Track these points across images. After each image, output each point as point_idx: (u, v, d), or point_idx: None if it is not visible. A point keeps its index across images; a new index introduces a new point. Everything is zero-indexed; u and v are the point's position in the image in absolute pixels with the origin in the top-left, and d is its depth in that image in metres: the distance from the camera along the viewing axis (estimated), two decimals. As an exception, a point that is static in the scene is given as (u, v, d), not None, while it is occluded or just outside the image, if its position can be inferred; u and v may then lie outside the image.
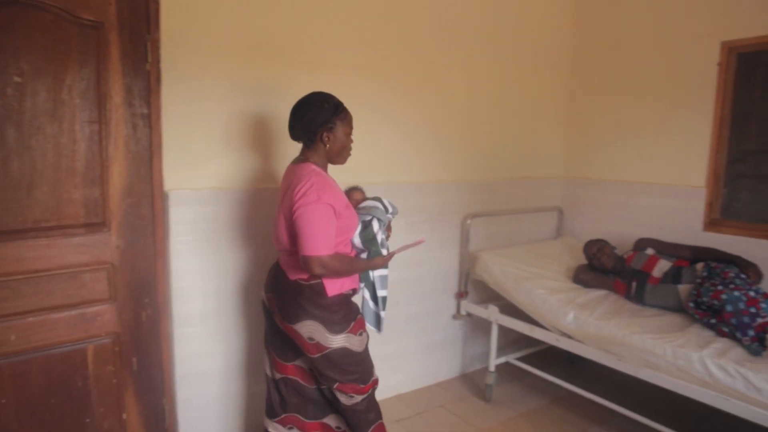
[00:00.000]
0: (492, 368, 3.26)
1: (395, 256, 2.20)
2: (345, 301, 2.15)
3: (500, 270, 3.24)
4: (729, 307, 2.48)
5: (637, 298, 2.97)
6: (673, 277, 2.89)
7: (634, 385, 2.92)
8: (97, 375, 2.26)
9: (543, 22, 3.75)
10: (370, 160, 3.01)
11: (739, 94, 3.09)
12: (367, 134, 2.96)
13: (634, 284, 2.99)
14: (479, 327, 3.61)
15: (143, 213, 2.32)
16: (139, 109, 2.23)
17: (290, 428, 2.31)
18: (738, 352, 2.35)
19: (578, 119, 3.95)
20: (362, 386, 2.17)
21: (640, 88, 3.54)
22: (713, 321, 2.57)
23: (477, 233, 3.52)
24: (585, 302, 2.94)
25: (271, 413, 2.32)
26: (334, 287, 2.09)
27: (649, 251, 3.10)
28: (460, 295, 3.47)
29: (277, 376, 2.28)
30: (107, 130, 2.17)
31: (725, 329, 2.50)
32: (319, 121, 2.04)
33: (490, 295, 3.46)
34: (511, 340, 3.69)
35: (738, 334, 2.42)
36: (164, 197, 2.39)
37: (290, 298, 2.09)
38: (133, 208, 2.28)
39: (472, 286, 3.52)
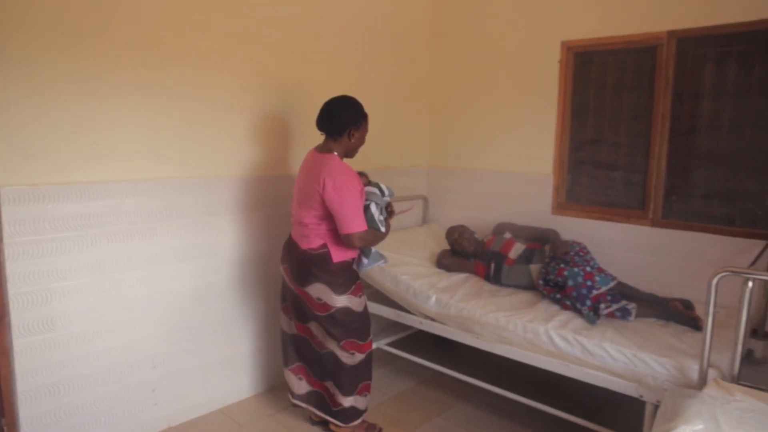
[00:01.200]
0: (363, 355, 3.33)
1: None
2: (347, 267, 2.58)
3: (368, 258, 3.31)
4: (570, 282, 2.74)
5: (495, 279, 3.18)
6: (526, 258, 3.13)
7: (495, 360, 3.12)
8: None
9: (403, 19, 3.87)
10: (229, 153, 2.94)
11: (577, 89, 3.40)
12: (232, 128, 2.89)
13: (492, 266, 3.20)
14: (351, 316, 3.66)
15: (-32, 213, 2.08)
16: (-43, 96, 1.99)
17: (300, 378, 2.78)
18: (577, 323, 2.60)
19: (440, 112, 4.13)
20: (362, 343, 2.62)
21: (495, 82, 3.77)
22: (558, 296, 2.82)
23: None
24: (447, 286, 3.10)
25: (285, 362, 2.80)
26: (338, 255, 2.53)
27: (507, 235, 3.32)
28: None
29: (294, 331, 2.74)
30: None
31: (568, 303, 2.76)
32: (352, 120, 2.51)
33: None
34: (382, 327, 3.79)
35: (578, 305, 2.68)
36: (-6, 195, 2.16)
37: (302, 265, 2.53)
38: (-46, 208, 2.04)
39: (343, 276, 3.55)
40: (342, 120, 2.49)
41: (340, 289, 2.53)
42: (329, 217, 2.48)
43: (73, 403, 2.47)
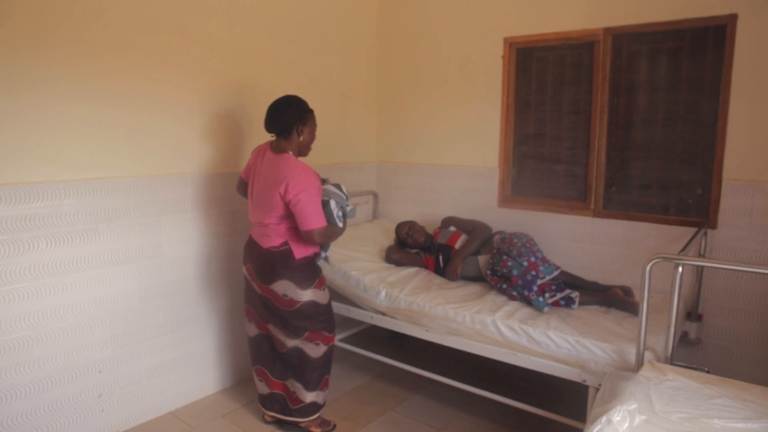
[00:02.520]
0: (316, 352, 3.33)
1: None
2: (309, 262, 2.64)
3: (317, 255, 3.31)
4: (515, 272, 2.82)
5: (445, 270, 3.23)
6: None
7: (448, 353, 3.18)
8: None
9: (350, 17, 3.87)
10: (173, 151, 2.89)
11: (519, 84, 3.48)
12: (175, 126, 2.84)
13: (440, 258, 3.25)
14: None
15: None
16: None
17: (260, 380, 2.81)
18: (523, 312, 2.68)
19: (388, 108, 4.16)
20: (328, 335, 2.70)
21: (441, 78, 3.82)
22: (505, 286, 2.89)
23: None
24: (396, 280, 3.13)
25: (252, 362, 2.84)
26: (300, 251, 2.58)
27: (452, 228, 3.38)
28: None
29: (256, 332, 2.77)
30: None
31: (514, 293, 2.83)
32: (297, 116, 2.53)
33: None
34: (336, 323, 3.79)
35: (525, 292, 2.75)
36: None
37: (265, 263, 2.58)
38: None
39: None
40: (286, 117, 2.52)
41: (304, 283, 2.59)
42: (290, 216, 2.52)
43: (11, 413, 2.38)
